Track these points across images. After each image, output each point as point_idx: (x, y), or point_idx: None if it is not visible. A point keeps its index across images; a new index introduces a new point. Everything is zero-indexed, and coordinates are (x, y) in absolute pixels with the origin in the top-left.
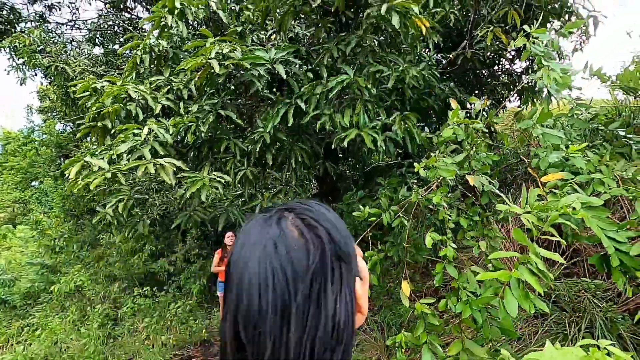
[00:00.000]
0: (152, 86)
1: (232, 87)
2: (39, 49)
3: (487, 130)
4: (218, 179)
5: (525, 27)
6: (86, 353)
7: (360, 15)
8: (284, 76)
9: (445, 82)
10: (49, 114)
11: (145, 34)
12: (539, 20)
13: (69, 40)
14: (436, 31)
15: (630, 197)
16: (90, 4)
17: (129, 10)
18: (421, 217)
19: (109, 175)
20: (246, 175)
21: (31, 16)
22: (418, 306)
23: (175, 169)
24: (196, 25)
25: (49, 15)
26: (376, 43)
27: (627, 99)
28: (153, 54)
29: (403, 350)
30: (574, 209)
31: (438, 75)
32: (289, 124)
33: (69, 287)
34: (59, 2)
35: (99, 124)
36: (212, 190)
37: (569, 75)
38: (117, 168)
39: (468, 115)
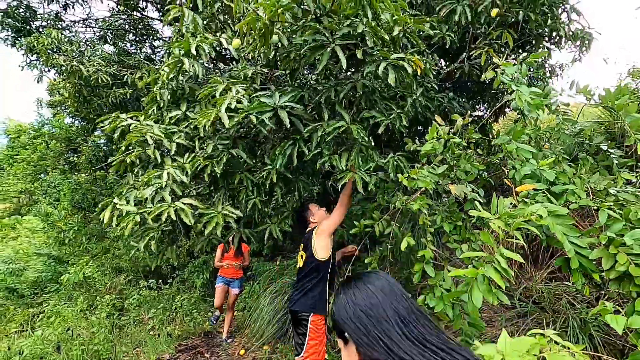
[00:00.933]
0: (171, 121)
1: (243, 129)
2: (55, 48)
3: (482, 139)
4: (230, 214)
5: (495, 59)
6: (96, 340)
7: (361, 68)
8: (288, 124)
9: (444, 92)
10: (59, 108)
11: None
12: (533, 41)
13: (83, 40)
14: (433, 49)
15: (595, 207)
16: (102, 1)
17: (139, 9)
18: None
19: (138, 219)
20: (255, 204)
21: (46, 15)
22: None
23: (193, 210)
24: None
25: (64, 13)
26: (371, 90)
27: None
28: (170, 88)
29: None
30: (540, 216)
31: (436, 87)
32: (295, 164)
33: (78, 278)
34: (74, 1)
35: (128, 160)
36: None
37: (543, 95)
38: (144, 211)
39: (464, 125)
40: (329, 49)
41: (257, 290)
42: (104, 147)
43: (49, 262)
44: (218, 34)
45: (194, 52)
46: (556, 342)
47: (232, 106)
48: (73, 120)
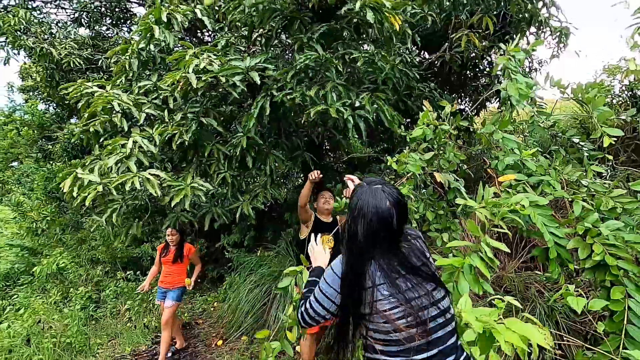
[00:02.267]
0: (140, 91)
1: (214, 94)
2: (23, 29)
3: (464, 130)
4: (200, 187)
5: (502, 45)
6: (69, 332)
7: (337, 12)
8: (258, 82)
9: (425, 83)
10: (31, 94)
11: (135, 26)
12: (514, 27)
13: (54, 22)
14: (415, 30)
15: (570, 199)
16: None
17: None
18: None
19: (100, 188)
20: (225, 178)
21: None
22: None
23: (159, 181)
24: (181, 31)
25: None
26: (348, 34)
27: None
28: (141, 59)
29: None
30: (523, 206)
31: (418, 76)
32: (267, 113)
33: (51, 269)
34: None
35: (92, 129)
36: (194, 198)
37: (531, 88)
38: (107, 181)
39: (442, 117)
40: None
41: (237, 281)
42: (81, 136)
43: (21, 254)
44: (193, 4)
45: (165, 20)
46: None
47: (201, 66)
48: (47, 106)
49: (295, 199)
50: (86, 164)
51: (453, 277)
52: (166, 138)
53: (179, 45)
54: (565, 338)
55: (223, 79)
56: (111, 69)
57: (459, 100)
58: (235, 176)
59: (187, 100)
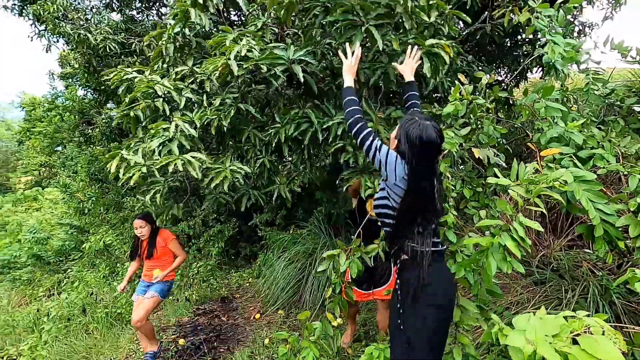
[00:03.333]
0: (177, 76)
1: (253, 82)
2: (62, 16)
3: (503, 103)
4: (238, 170)
5: (530, 2)
6: (118, 304)
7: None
8: (301, 78)
9: (462, 56)
10: (71, 80)
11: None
12: None
13: (88, 8)
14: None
15: (625, 173)
16: None
17: None
18: None
19: (144, 170)
20: (264, 164)
21: None
22: None
23: (200, 163)
24: (216, 13)
25: None
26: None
27: None
28: (177, 44)
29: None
30: (565, 182)
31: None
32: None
33: (99, 246)
34: None
35: (132, 114)
36: (233, 180)
37: (575, 49)
38: (151, 163)
39: (478, 90)
40: (363, 29)
41: (270, 258)
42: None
43: (71, 232)
44: None
45: (201, 2)
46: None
47: (242, 53)
48: (85, 92)
49: (331, 179)
50: (131, 145)
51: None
52: (205, 122)
53: (213, 28)
54: (623, 320)
55: (264, 68)
56: (145, 53)
57: (497, 71)
58: (273, 161)
59: (225, 85)
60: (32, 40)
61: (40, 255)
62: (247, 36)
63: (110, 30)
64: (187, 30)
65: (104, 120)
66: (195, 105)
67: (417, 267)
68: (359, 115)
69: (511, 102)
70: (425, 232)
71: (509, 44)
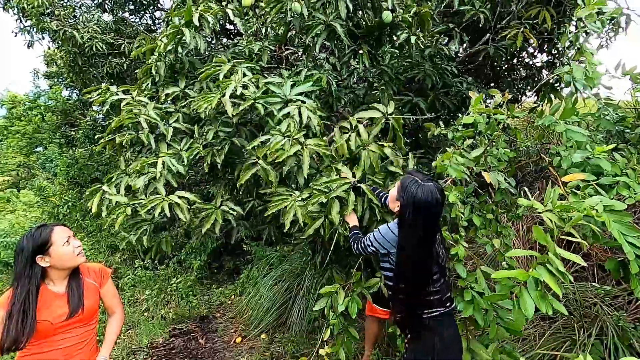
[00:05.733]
0: (168, 98)
1: (247, 116)
2: (47, 11)
3: (511, 123)
4: (230, 211)
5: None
6: None
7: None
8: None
9: (462, 77)
10: (56, 80)
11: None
12: (568, 18)
13: (77, 5)
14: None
15: None
16: None
17: None
18: None
19: (129, 211)
20: (254, 206)
21: None
22: None
23: (189, 205)
24: (212, 34)
25: None
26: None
27: None
28: (167, 62)
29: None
30: (597, 211)
31: (455, 71)
32: None
33: None
34: None
35: (118, 140)
36: (224, 223)
37: (598, 71)
38: (136, 203)
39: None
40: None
41: (255, 276)
42: (102, 122)
43: None
44: (224, 3)
45: (196, 23)
46: None
47: (238, 92)
48: (70, 92)
49: None
50: (112, 179)
51: (513, 291)
52: (196, 157)
53: (208, 51)
54: None
55: (261, 110)
56: (133, 53)
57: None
58: (262, 203)
59: (219, 114)
60: (15, 36)
61: (8, 262)
62: (243, 65)
63: (98, 29)
64: (179, 49)
65: (88, 123)
66: (186, 134)
67: (430, 337)
68: (356, 232)
69: (505, 125)
70: (433, 294)
71: (505, 67)
